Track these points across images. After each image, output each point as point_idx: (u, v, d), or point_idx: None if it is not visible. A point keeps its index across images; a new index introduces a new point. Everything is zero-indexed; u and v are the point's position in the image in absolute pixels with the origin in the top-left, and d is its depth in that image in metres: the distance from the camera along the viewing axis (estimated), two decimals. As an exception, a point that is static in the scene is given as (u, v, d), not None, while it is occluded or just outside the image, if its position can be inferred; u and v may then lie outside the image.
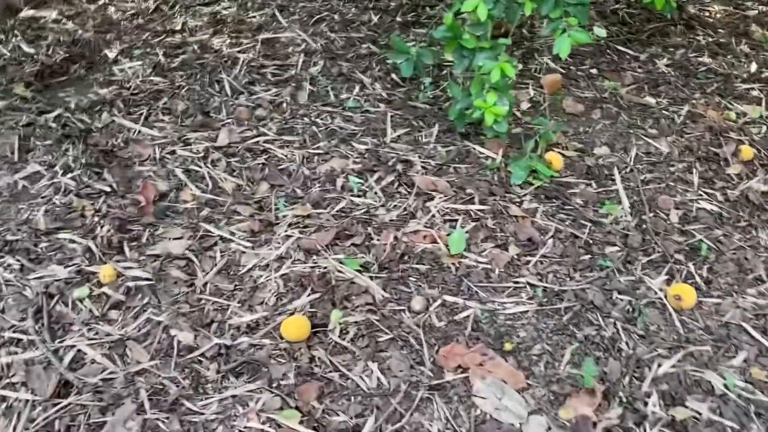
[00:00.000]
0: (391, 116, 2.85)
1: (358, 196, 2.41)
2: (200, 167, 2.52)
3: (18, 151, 2.62)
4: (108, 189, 2.42)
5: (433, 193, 2.41)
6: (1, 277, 2.04)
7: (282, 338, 1.87)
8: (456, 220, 2.30)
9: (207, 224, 2.27)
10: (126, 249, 2.17)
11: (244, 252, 2.16)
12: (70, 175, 2.48)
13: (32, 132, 2.71)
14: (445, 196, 2.40)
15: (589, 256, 2.18)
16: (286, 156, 2.61)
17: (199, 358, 1.82)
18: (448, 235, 2.23)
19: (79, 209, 2.31)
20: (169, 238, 2.21)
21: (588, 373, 1.73)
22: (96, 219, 2.28)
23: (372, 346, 1.87)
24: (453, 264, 2.14)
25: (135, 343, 1.85)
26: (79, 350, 1.82)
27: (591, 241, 2.23)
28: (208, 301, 2.00)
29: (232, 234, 2.24)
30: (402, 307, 1.99)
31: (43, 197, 2.40)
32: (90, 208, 2.32)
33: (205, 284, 2.05)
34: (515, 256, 2.17)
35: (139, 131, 2.73)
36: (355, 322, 1.93)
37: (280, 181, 2.48)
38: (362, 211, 2.34)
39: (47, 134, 2.69)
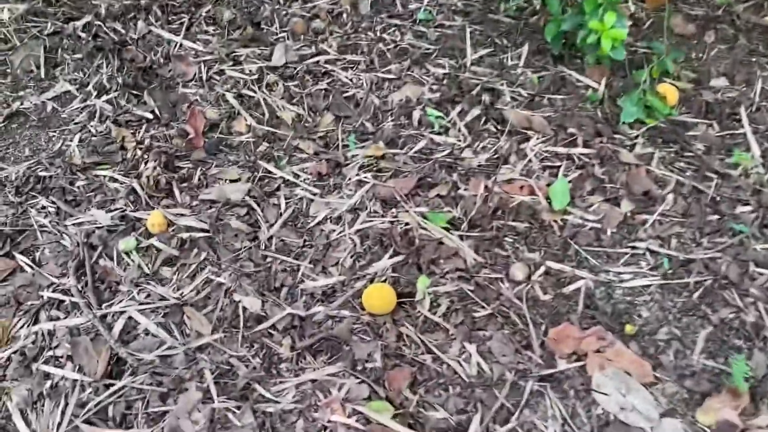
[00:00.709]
0: (470, 32, 2.44)
1: (439, 134, 2.06)
2: (254, 92, 2.17)
3: (44, 65, 2.28)
4: (149, 115, 2.09)
5: (528, 132, 2.06)
6: (35, 222, 1.77)
7: (363, 309, 1.60)
8: (557, 167, 1.96)
9: (266, 163, 1.95)
10: (176, 191, 1.87)
11: (311, 200, 1.86)
12: (105, 98, 2.15)
13: (59, 43, 2.35)
14: (543, 136, 2.04)
15: (717, 216, 1.84)
16: (351, 80, 2.24)
17: (269, 330, 1.57)
18: (548, 185, 1.90)
19: (119, 140, 2.00)
20: (225, 180, 1.91)
21: (738, 371, 1.45)
22: (138, 152, 1.97)
23: (468, 322, 1.59)
24: (555, 222, 1.82)
25: (194, 309, 1.60)
26: (130, 317, 1.58)
27: (718, 198, 1.89)
28: (275, 259, 1.72)
29: (296, 176, 1.93)
30: (499, 275, 1.70)
31: (76, 123, 2.09)
32: (131, 139, 2.01)
33: (270, 238, 1.77)
34: (629, 214, 1.84)
35: (180, 44, 2.36)
36: (447, 293, 1.65)
37: (347, 112, 2.13)
38: (445, 152, 2.00)
39: (76, 46, 2.33)
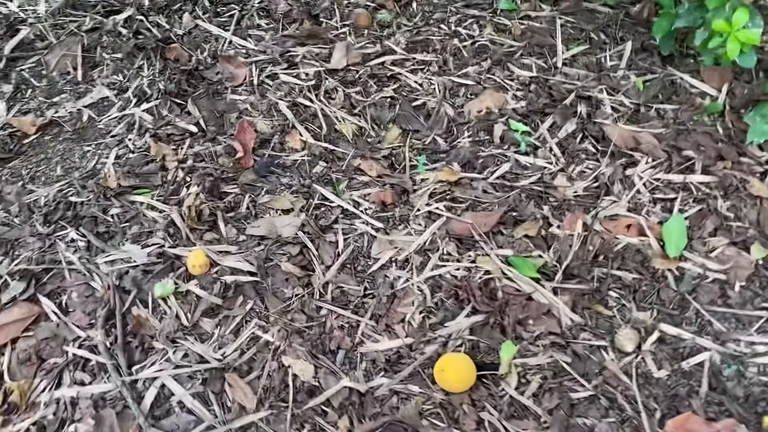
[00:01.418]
0: (561, 25, 2.08)
1: (526, 154, 1.74)
2: (311, 101, 1.89)
3: (82, 66, 2.06)
4: (194, 128, 1.85)
5: (635, 154, 1.71)
6: (64, 259, 1.56)
7: (435, 383, 1.33)
8: (671, 200, 1.62)
9: (323, 187, 1.68)
10: (220, 223, 1.63)
11: (374, 236, 1.58)
12: (145, 106, 1.91)
13: (98, 40, 2.13)
14: (653, 159, 1.69)
15: None
16: (420, 85, 1.93)
17: (323, 407, 1.32)
18: (661, 223, 1.57)
19: (159, 158, 1.77)
20: (277, 211, 1.65)
21: None
22: (180, 174, 1.74)
23: (565, 406, 1.30)
24: (670, 271, 1.49)
25: (237, 376, 1.36)
26: (163, 385, 1.35)
27: None
28: (331, 312, 1.46)
29: (356, 205, 1.65)
30: (602, 341, 1.39)
31: (113, 136, 1.86)
32: (172, 157, 1.77)
33: (325, 285, 1.51)
34: (761, 262, 1.49)
35: (230, 41, 2.10)
36: (538, 366, 1.35)
37: (416, 125, 1.83)
38: (534, 178, 1.68)
39: (116, 44, 2.10)
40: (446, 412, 1.30)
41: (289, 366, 1.37)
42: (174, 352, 1.40)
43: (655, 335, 1.39)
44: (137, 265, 1.55)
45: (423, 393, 1.33)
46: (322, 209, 1.65)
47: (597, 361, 1.37)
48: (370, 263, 1.54)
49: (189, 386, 1.35)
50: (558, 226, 1.58)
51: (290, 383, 1.35)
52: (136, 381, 1.36)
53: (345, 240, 1.58)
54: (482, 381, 1.34)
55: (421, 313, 1.45)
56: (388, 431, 1.28)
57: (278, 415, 1.31)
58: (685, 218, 1.56)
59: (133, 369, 1.38)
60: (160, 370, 1.37)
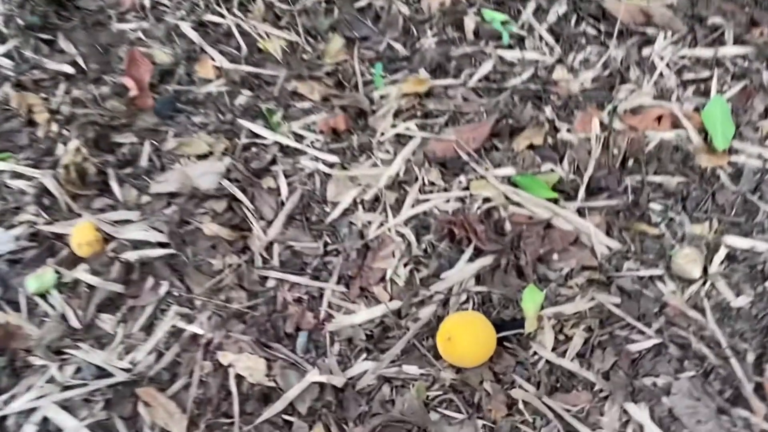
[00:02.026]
0: None
1: (511, 47, 1.34)
2: (222, 16, 1.44)
3: None
4: (69, 69, 1.38)
5: (648, 30, 1.33)
6: None
7: (439, 359, 0.94)
8: (704, 80, 1.25)
9: (250, 121, 1.25)
10: (113, 184, 1.19)
11: (328, 174, 1.17)
12: (2, 48, 1.43)
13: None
14: (671, 33, 1.32)
15: None
16: (363, -18, 1.50)
17: (286, 416, 0.91)
18: (698, 109, 1.20)
19: (23, 111, 1.30)
20: (190, 158, 1.22)
21: None
22: (54, 127, 1.28)
23: (624, 365, 0.93)
24: (722, 168, 1.13)
25: (154, 390, 0.94)
26: (45, 419, 0.92)
27: None
28: (282, 283, 1.05)
29: (299, 138, 1.23)
30: (654, 270, 1.02)
31: (-39, 93, 1.38)
32: (41, 108, 1.31)
33: (269, 247, 1.09)
34: (835, 143, 1.14)
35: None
36: (577, 315, 0.97)
37: (363, 31, 1.41)
38: (527, 75, 1.28)
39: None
40: (462, 396, 0.91)
41: (229, 365, 0.96)
42: (60, 368, 0.97)
43: (722, 252, 1.03)
44: (1, 255, 1.10)
45: (426, 375, 0.93)
46: (253, 150, 1.23)
47: (653, 297, 0.99)
48: (328, 210, 1.13)
49: (85, 415, 0.92)
50: (568, 130, 1.19)
51: (233, 389, 0.94)
52: (4, 418, 0.92)
53: (289, 184, 1.16)
54: (504, 346, 0.95)
55: (406, 265, 1.04)
56: (385, 437, 0.88)
57: (221, 438, 0.90)
58: (727, 100, 1.19)
59: (0, 400, 0.94)
60: (41, 396, 0.93)
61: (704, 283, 1.01)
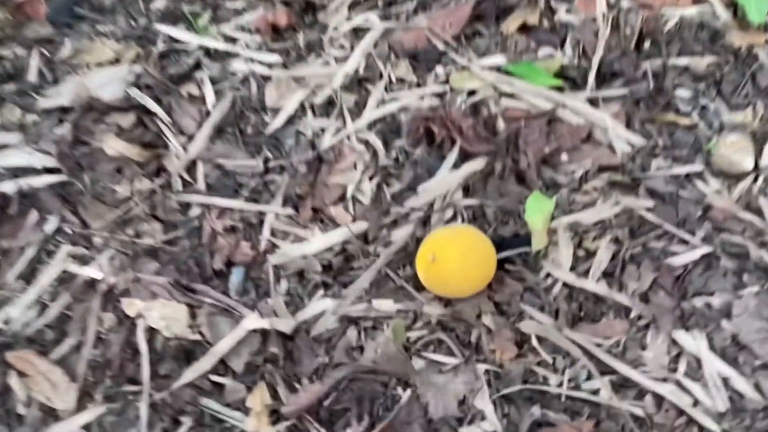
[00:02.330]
0: None
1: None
2: None
3: None
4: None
5: None
6: None
7: (421, 290, 0.70)
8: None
9: (168, 25, 0.99)
10: (-11, 104, 0.92)
11: (266, 77, 0.91)
12: None
13: None
14: None
15: None
16: None
17: (217, 377, 0.66)
18: (722, -18, 0.97)
19: None
20: (89, 66, 0.95)
21: None
22: None
23: (666, 283, 0.70)
24: (760, 46, 0.90)
25: (33, 354, 0.68)
26: None
27: None
28: (209, 209, 0.79)
29: (231, 41, 0.97)
30: (691, 167, 0.79)
31: None
32: None
33: (191, 167, 0.84)
34: None
35: None
36: (599, 226, 0.74)
37: None
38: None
39: None
40: (454, 335, 0.67)
41: (138, 316, 0.70)
42: None
43: (774, 141, 0.80)
44: None
45: (404, 311, 0.69)
46: (172, 57, 0.96)
47: (694, 199, 0.77)
48: (267, 120, 0.87)
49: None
50: (568, 10, 0.95)
51: (142, 346, 0.68)
52: None
53: (217, 92, 0.90)
54: (507, 270, 0.72)
55: (372, 178, 0.80)
56: (351, 395, 0.63)
57: (125, 409, 0.64)
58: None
59: None
60: None
61: (756, 179, 0.78)
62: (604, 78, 0.87)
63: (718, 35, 0.92)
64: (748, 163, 0.77)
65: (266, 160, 0.83)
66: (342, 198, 0.79)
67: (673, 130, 0.83)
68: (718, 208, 0.76)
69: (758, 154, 0.80)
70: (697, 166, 0.79)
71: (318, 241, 0.75)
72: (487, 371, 0.65)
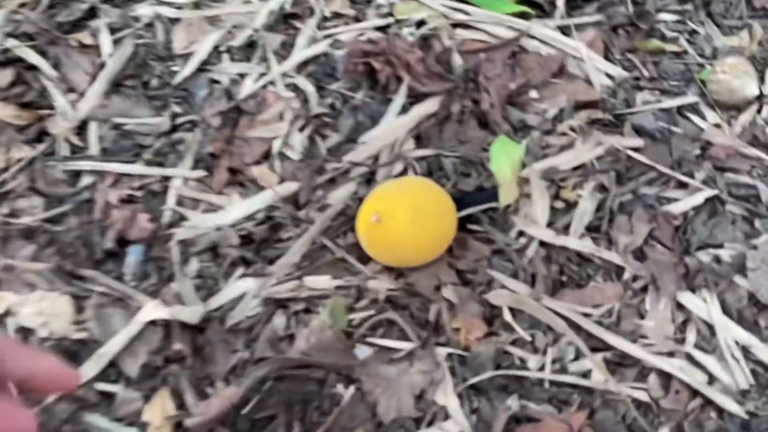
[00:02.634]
0: None
1: None
2: None
3: None
4: None
5: None
6: None
7: (367, 261, 0.56)
8: None
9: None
10: None
11: (175, 19, 0.76)
12: None
13: None
14: None
15: None
16: None
17: (108, 383, 0.51)
18: None
19: None
20: (-45, 17, 0.78)
21: None
22: None
23: (665, 235, 0.57)
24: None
25: None
26: None
27: None
28: (102, 176, 0.64)
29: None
30: (685, 98, 0.67)
31: None
32: None
33: (81, 129, 0.68)
34: None
35: None
36: (579, 172, 0.61)
37: None
38: None
39: None
40: (408, 314, 0.53)
41: (7, 313, 0.55)
42: None
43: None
44: None
45: (345, 288, 0.55)
46: (59, 6, 0.80)
47: (690, 136, 0.64)
48: (175, 66, 0.72)
49: None
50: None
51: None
52: None
53: (116, 41, 0.75)
54: (470, 231, 0.58)
55: (303, 129, 0.65)
56: (277, 399, 0.49)
57: (-21, 438, 0.49)
58: None
59: None
60: None
61: (761, 108, 0.66)
62: (575, 2, 0.74)
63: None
64: (752, 89, 0.64)
65: (174, 116, 0.68)
66: (266, 156, 0.64)
67: (658, 58, 0.71)
68: (719, 144, 0.63)
69: (760, 80, 0.68)
70: (690, 98, 0.67)
71: (236, 209, 0.60)
72: (449, 356, 0.51)
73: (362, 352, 0.52)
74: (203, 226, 0.60)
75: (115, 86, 0.71)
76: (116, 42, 0.74)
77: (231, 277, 0.57)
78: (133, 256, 0.59)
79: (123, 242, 0.59)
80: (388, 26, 0.72)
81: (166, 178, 0.63)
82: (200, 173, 0.63)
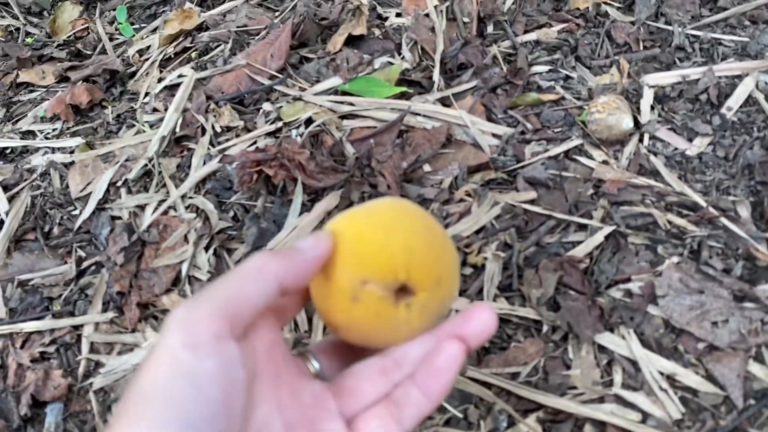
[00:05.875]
0: None
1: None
2: None
3: None
4: None
5: None
6: None
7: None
8: None
9: (-48, 136, 0.83)
10: None
11: (68, 163, 0.76)
12: None
13: None
14: None
15: None
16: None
17: None
18: (551, -50, 0.91)
19: None
20: None
21: None
22: None
23: (579, 282, 0.57)
24: (605, 2, 0.83)
25: None
26: None
27: None
28: (12, 340, 0.62)
29: (29, 136, 0.82)
30: (561, 147, 0.69)
31: None
32: None
33: (-17, 293, 0.66)
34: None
35: None
36: (479, 232, 0.62)
37: (105, -12, 1.03)
38: (326, -28, 0.95)
39: None
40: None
41: None
42: None
43: (648, 95, 0.72)
44: None
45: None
46: (-41, 168, 0.80)
47: (581, 177, 0.66)
48: (74, 210, 0.72)
49: None
50: (398, 14, 0.86)
51: None
52: None
53: (11, 198, 0.74)
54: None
55: (207, 248, 0.65)
56: None
57: None
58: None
59: None
60: None
61: (642, 138, 0.69)
62: (451, 73, 0.78)
63: (561, 1, 0.85)
64: (627, 123, 0.67)
65: (79, 261, 0.67)
66: (175, 282, 0.64)
67: (539, 109, 0.73)
68: (610, 179, 0.65)
69: (636, 111, 0.71)
70: (575, 141, 0.69)
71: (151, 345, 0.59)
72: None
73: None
74: (120, 369, 0.58)
75: (16, 242, 0.70)
76: (12, 198, 0.74)
77: (154, 417, 0.55)
78: (52, 415, 0.56)
79: (40, 404, 0.57)
80: (278, 130, 0.74)
81: (77, 327, 0.62)
82: (110, 315, 0.62)
